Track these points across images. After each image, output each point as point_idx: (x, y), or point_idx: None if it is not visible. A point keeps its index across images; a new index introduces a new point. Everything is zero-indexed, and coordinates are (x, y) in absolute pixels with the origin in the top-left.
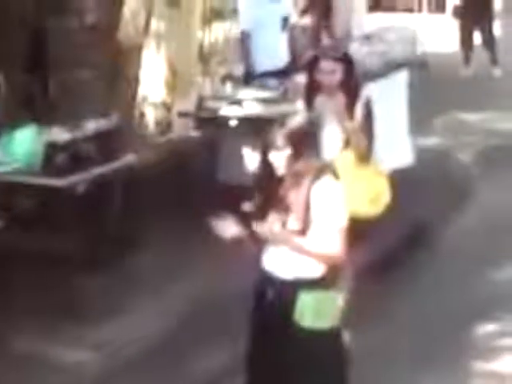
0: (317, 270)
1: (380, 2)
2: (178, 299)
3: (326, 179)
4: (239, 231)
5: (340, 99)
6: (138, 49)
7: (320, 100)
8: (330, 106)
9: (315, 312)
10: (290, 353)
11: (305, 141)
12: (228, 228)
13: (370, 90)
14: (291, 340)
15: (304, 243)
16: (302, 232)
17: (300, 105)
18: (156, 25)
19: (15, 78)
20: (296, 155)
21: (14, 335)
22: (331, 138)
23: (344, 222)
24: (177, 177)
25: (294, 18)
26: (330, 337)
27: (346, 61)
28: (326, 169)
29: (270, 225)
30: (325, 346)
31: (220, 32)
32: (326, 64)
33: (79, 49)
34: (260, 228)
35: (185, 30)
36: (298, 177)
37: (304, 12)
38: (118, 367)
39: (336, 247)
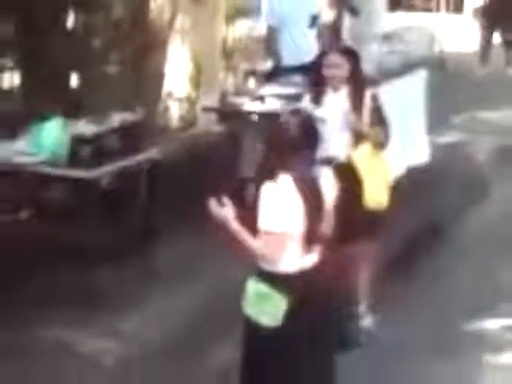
0: (277, 268)
1: (400, 1)
2: (197, 291)
3: (280, 180)
4: (231, 215)
5: (347, 93)
6: (164, 44)
7: (328, 95)
8: (337, 101)
9: (255, 303)
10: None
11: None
12: (223, 211)
13: (388, 88)
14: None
15: (250, 241)
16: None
17: (306, 100)
18: (181, 21)
19: (44, 73)
20: (275, 153)
21: (38, 324)
22: (339, 133)
23: (284, 228)
24: (199, 170)
25: (324, 15)
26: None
27: (352, 55)
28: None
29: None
30: (274, 346)
31: (244, 29)
32: (332, 58)
33: (105, 44)
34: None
35: (209, 27)
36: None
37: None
38: (137, 355)
39: (272, 249)
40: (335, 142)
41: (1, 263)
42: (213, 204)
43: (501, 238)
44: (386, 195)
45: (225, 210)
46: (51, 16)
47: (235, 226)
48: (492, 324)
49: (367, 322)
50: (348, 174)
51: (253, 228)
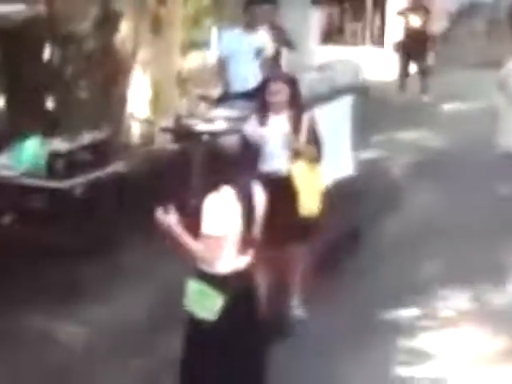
0: (214, 269)
1: (331, 36)
2: (151, 287)
3: (222, 192)
4: (174, 221)
5: (287, 116)
6: (128, 72)
7: (271, 118)
8: (279, 123)
9: (195, 300)
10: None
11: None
12: (167, 218)
13: (319, 111)
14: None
15: (192, 244)
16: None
17: (252, 122)
18: (142, 52)
19: (24, 96)
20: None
21: (21, 314)
22: (280, 150)
23: (223, 232)
24: (156, 182)
25: (266, 49)
26: (213, 330)
27: (292, 82)
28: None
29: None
30: (211, 338)
31: (196, 59)
32: (274, 85)
33: (78, 72)
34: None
35: (166, 57)
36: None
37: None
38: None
39: (211, 251)
40: (277, 157)
41: None
42: (159, 212)
43: (412, 241)
44: (318, 204)
45: (169, 218)
46: (33, 48)
47: (178, 230)
48: (405, 313)
49: (299, 313)
50: (286, 186)
51: (196, 233)
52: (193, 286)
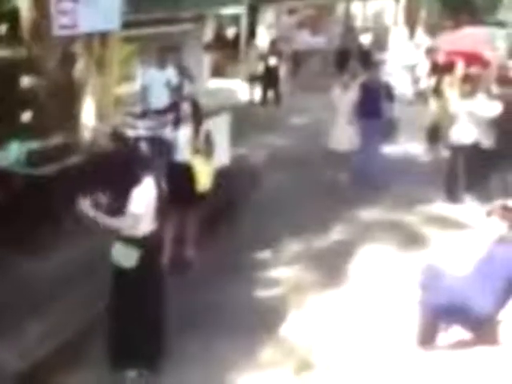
0: (132, 233)
1: (218, 71)
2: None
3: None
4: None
5: (190, 125)
6: (81, 95)
7: (182, 126)
8: (185, 130)
9: (119, 253)
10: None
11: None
12: (86, 206)
13: (210, 122)
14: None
15: (110, 221)
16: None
17: (168, 129)
18: (90, 81)
19: (6, 113)
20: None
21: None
22: (186, 148)
23: (140, 210)
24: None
25: (173, 79)
26: (135, 272)
27: (194, 104)
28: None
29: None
30: (131, 278)
31: (126, 87)
32: (183, 106)
33: (46, 95)
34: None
35: (106, 85)
36: None
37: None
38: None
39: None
40: (184, 152)
41: None
42: (81, 202)
43: (267, 206)
44: (209, 183)
45: (86, 206)
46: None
47: (94, 213)
48: (260, 255)
49: (191, 257)
50: (188, 171)
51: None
52: (118, 245)
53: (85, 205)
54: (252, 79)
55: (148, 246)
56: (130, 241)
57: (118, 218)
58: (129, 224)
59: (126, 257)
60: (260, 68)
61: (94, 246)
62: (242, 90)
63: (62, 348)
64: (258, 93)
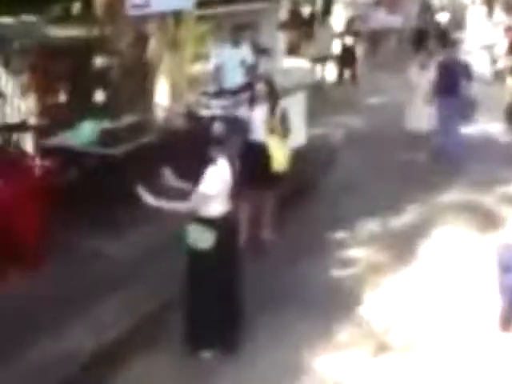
0: (207, 214)
1: (293, 50)
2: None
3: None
4: (177, 183)
5: (267, 105)
6: (154, 75)
7: (257, 106)
8: (261, 112)
9: (195, 235)
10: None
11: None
12: (170, 178)
13: (286, 101)
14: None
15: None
16: None
17: (243, 109)
18: (164, 61)
19: (81, 93)
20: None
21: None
22: (261, 127)
23: (212, 191)
24: (177, 149)
25: (248, 58)
26: (212, 253)
27: (269, 84)
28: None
29: None
30: (208, 259)
31: (200, 66)
32: (258, 85)
33: (119, 75)
34: None
35: (180, 65)
36: None
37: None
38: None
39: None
40: (259, 132)
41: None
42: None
43: (344, 186)
44: (285, 163)
45: (152, 200)
46: (89, 59)
47: (166, 205)
48: (339, 234)
49: (269, 236)
50: (264, 150)
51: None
52: (193, 226)
53: (168, 175)
54: (327, 58)
55: (224, 226)
56: (206, 222)
57: (190, 200)
58: (198, 204)
59: (201, 238)
60: (335, 47)
61: (168, 226)
62: (317, 69)
63: (137, 328)
64: (333, 72)
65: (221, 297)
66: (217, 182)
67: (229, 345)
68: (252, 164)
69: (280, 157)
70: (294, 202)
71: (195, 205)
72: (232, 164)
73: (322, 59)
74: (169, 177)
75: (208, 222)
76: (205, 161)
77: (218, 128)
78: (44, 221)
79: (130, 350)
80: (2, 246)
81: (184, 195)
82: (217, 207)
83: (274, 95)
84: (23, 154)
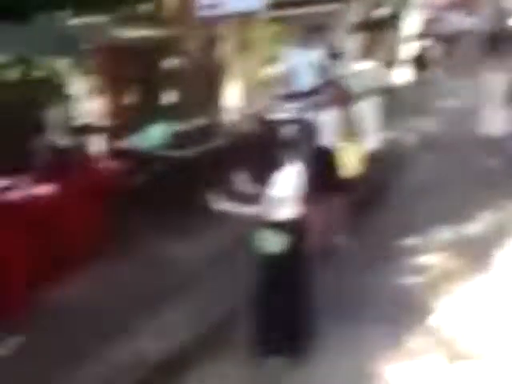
0: (277, 218)
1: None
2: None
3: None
4: (249, 186)
5: (337, 109)
6: (224, 77)
7: (327, 110)
8: (333, 116)
9: (266, 239)
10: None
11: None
12: (241, 183)
13: (358, 105)
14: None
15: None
16: None
17: (313, 113)
18: (235, 63)
19: (151, 94)
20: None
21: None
22: (331, 132)
23: (282, 194)
24: (247, 152)
25: (320, 60)
26: (283, 258)
27: (341, 87)
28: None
29: None
30: (279, 264)
31: (272, 69)
32: (330, 88)
33: (189, 77)
34: None
35: (251, 67)
36: None
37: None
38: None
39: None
40: (330, 136)
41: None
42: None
43: (418, 192)
44: (357, 167)
45: (222, 203)
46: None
47: (237, 209)
48: (410, 240)
49: (340, 241)
50: (335, 155)
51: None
52: (263, 230)
53: (240, 179)
54: (398, 61)
55: (294, 231)
56: (276, 226)
57: (260, 204)
58: (267, 207)
59: (271, 242)
60: (409, 50)
61: (237, 230)
62: (390, 72)
63: (206, 333)
64: (406, 75)
65: (290, 302)
66: (286, 186)
67: (297, 352)
68: (322, 168)
69: (351, 161)
70: (366, 206)
71: (265, 209)
72: (301, 168)
73: (392, 62)
74: (241, 180)
75: (278, 226)
76: (274, 164)
77: (288, 131)
78: (110, 222)
79: (198, 354)
80: (61, 248)
81: (255, 199)
82: (286, 211)
83: (345, 99)
84: (91, 156)
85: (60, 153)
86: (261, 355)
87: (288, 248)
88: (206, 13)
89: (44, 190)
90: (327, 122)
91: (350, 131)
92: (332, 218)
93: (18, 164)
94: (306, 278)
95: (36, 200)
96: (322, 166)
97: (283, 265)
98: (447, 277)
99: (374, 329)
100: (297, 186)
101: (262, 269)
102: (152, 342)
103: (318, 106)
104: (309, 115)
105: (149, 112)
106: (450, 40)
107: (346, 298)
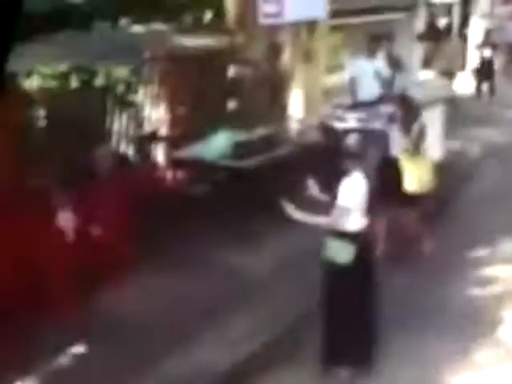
0: (346, 229)
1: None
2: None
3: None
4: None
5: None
6: (287, 86)
7: (393, 122)
8: (398, 126)
9: (335, 249)
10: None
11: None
12: (313, 190)
13: (423, 115)
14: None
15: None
16: None
17: (378, 124)
18: (297, 72)
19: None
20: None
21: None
22: (397, 143)
23: (350, 204)
24: (311, 162)
25: (384, 70)
26: (350, 268)
27: (406, 97)
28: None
29: None
30: (346, 276)
31: (334, 78)
32: (394, 98)
33: (252, 86)
34: None
35: (313, 77)
36: None
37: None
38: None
39: (341, 218)
40: (396, 147)
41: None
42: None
43: (483, 203)
44: (425, 179)
45: (297, 214)
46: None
47: (309, 219)
48: (477, 252)
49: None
50: (401, 166)
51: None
52: (332, 241)
53: (312, 186)
54: (464, 71)
55: (362, 241)
56: (344, 236)
57: (327, 215)
58: (337, 218)
59: (340, 252)
60: (472, 59)
61: (302, 239)
62: (453, 81)
63: (272, 343)
64: (469, 84)
65: (359, 313)
66: (354, 196)
67: (366, 362)
68: (388, 179)
69: (417, 172)
70: (433, 217)
71: (334, 219)
72: (368, 178)
73: (455, 71)
74: (312, 188)
75: (347, 237)
76: (341, 174)
77: (353, 141)
78: (171, 232)
79: (264, 365)
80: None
81: (324, 208)
82: (355, 221)
83: (410, 109)
84: (153, 165)
85: (122, 161)
86: (327, 364)
87: (356, 258)
88: (268, 21)
89: (105, 197)
90: (393, 133)
91: (415, 142)
92: (398, 229)
93: (80, 173)
94: (371, 289)
95: (97, 206)
96: (388, 176)
97: (351, 275)
98: None
99: (441, 340)
100: (361, 195)
101: (330, 279)
102: (216, 354)
103: (383, 116)
104: (375, 125)
105: (211, 121)
106: None
107: (412, 308)
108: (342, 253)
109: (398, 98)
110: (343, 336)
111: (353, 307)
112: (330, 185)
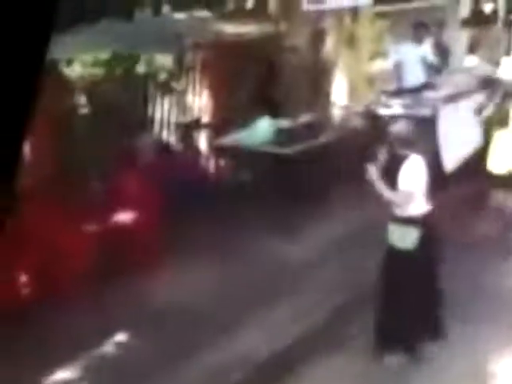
0: (408, 213)
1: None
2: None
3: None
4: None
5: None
6: (331, 73)
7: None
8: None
9: (397, 235)
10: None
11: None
12: (374, 174)
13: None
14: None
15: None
16: None
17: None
18: (341, 59)
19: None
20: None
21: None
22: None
23: (411, 188)
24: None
25: (430, 57)
26: (413, 255)
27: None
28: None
29: None
30: (408, 261)
31: (379, 64)
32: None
33: (295, 73)
34: None
35: (358, 63)
36: None
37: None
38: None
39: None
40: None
41: None
42: (368, 170)
43: None
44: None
45: (372, 173)
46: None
47: (379, 184)
48: None
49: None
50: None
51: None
52: (394, 226)
53: (372, 171)
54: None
55: (425, 226)
56: (407, 221)
57: (393, 192)
58: (400, 201)
59: (402, 238)
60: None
61: (345, 227)
62: (498, 68)
63: (311, 332)
64: None
65: (418, 300)
66: (415, 179)
67: (419, 350)
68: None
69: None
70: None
71: (399, 200)
72: (428, 162)
73: (501, 58)
74: (372, 173)
75: (409, 222)
76: (393, 160)
77: (402, 127)
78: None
79: (304, 354)
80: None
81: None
82: (418, 205)
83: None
84: (197, 152)
85: (165, 149)
86: (379, 351)
87: (420, 244)
88: (311, 8)
89: (148, 186)
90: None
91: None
92: (462, 213)
93: (123, 161)
94: (432, 276)
95: (141, 194)
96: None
97: (414, 261)
98: None
99: (493, 329)
100: (421, 180)
101: (389, 264)
102: (257, 342)
103: (433, 102)
104: (420, 111)
105: (254, 108)
106: None
107: (463, 297)
108: (403, 238)
109: (445, 84)
110: (399, 323)
111: (413, 294)
112: (389, 171)
